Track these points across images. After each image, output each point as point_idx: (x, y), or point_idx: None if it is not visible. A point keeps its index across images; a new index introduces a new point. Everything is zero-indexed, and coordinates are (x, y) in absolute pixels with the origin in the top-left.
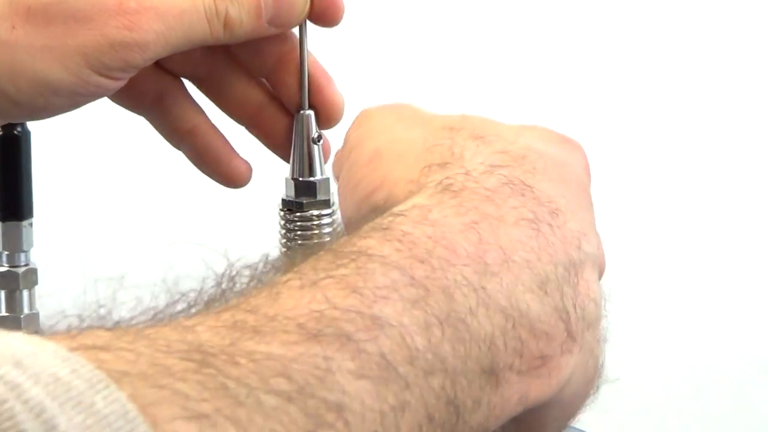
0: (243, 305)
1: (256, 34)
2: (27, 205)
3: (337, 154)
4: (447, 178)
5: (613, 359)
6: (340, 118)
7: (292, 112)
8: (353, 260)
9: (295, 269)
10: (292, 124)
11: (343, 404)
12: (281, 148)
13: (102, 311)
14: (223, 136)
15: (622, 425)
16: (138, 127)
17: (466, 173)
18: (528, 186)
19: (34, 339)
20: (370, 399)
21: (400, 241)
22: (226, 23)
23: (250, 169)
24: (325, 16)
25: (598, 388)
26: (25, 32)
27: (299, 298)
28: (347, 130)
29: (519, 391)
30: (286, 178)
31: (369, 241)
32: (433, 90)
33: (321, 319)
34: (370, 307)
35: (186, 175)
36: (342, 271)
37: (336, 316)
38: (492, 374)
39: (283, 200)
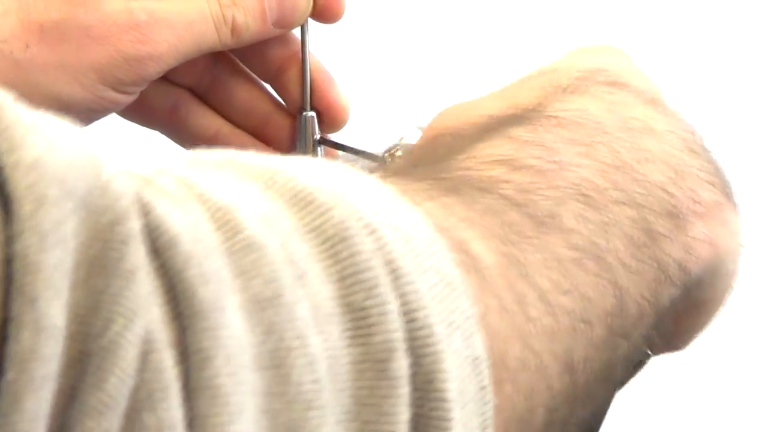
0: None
1: (262, 37)
2: None
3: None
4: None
5: None
6: (346, 122)
7: (295, 115)
8: (522, 123)
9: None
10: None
11: (559, 215)
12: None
13: None
14: (247, 134)
15: (622, 425)
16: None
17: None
18: (623, 83)
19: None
20: (583, 213)
21: (549, 121)
22: (234, 29)
23: None
24: (327, 12)
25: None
26: (39, 51)
27: (488, 146)
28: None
29: (707, 235)
30: None
31: (519, 135)
32: (435, 89)
33: (513, 161)
34: (550, 153)
35: None
36: (514, 133)
37: (522, 155)
38: (676, 217)
39: None
